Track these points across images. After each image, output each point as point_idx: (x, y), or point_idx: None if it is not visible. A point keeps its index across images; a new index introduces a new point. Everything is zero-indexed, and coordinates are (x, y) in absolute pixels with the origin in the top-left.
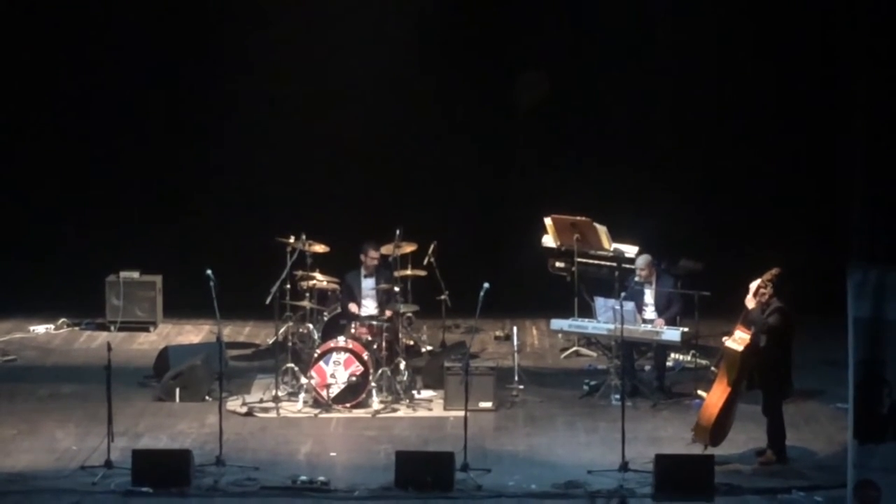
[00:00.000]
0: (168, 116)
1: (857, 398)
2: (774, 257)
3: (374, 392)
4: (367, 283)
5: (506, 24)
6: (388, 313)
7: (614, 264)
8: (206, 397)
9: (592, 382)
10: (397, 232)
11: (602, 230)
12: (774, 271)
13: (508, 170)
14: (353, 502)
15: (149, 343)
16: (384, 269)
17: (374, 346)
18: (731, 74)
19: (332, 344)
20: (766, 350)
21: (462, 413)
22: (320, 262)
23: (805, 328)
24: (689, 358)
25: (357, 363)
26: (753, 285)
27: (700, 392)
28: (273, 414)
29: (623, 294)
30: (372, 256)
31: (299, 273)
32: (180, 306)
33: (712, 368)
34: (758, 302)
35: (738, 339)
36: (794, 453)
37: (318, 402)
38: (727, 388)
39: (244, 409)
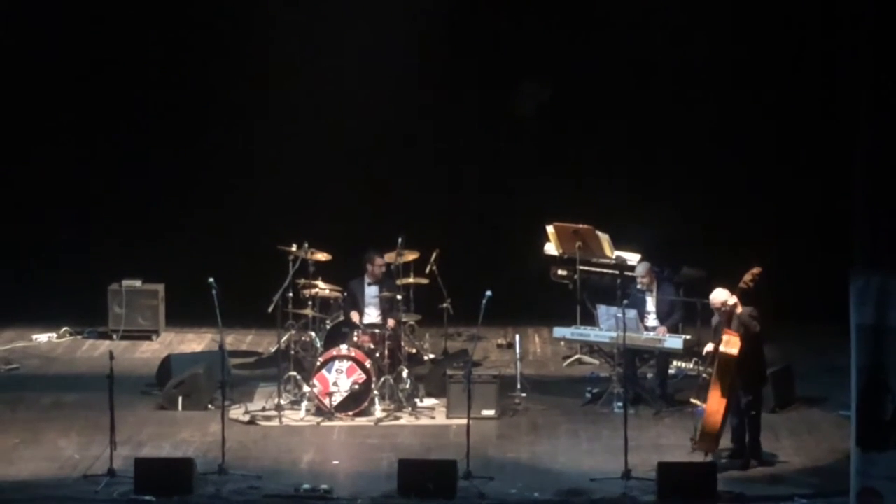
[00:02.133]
0: (170, 125)
1: (859, 405)
2: (777, 265)
3: (376, 400)
4: (371, 292)
5: (508, 33)
6: (390, 321)
7: (616, 272)
8: (209, 406)
9: (595, 390)
10: (399, 240)
11: (604, 238)
12: (755, 271)
13: (510, 177)
14: None
15: (151, 352)
16: (387, 278)
17: (377, 355)
18: (732, 80)
19: (334, 352)
20: (750, 354)
21: (465, 421)
22: (322, 271)
23: (808, 335)
24: (691, 365)
25: (359, 371)
26: (721, 300)
27: (694, 401)
28: (275, 422)
29: (625, 302)
30: (378, 264)
31: (301, 281)
32: (182, 315)
33: (703, 376)
34: (742, 305)
35: (731, 343)
36: (797, 460)
37: (320, 411)
38: (726, 393)
39: (247, 418)
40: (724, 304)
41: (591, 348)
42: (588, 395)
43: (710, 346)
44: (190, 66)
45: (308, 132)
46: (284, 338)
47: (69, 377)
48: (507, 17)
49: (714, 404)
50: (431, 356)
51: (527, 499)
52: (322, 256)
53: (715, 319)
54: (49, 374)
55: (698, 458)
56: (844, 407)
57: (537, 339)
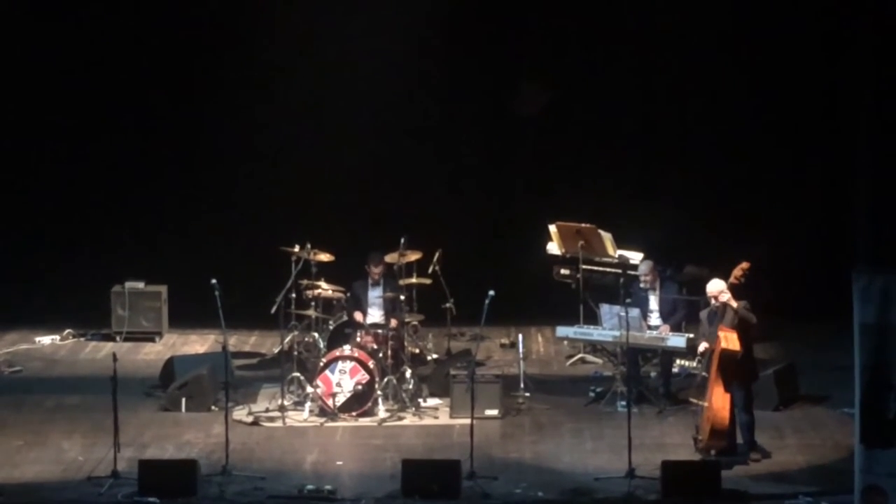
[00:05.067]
0: (173, 127)
1: (863, 403)
2: (779, 263)
3: (379, 400)
4: (374, 292)
5: (510, 33)
6: (393, 322)
7: (619, 271)
8: (212, 407)
9: (598, 389)
10: (402, 240)
11: (607, 237)
12: (744, 265)
13: (513, 177)
14: None
15: (154, 353)
16: (390, 278)
17: (380, 355)
18: (734, 79)
19: (337, 353)
20: (746, 348)
21: (468, 421)
22: (325, 271)
23: (811, 333)
24: (694, 364)
25: (363, 372)
26: (720, 290)
27: (693, 400)
28: (279, 423)
29: (628, 300)
30: (375, 269)
31: (304, 282)
32: (186, 316)
33: (703, 374)
34: (735, 300)
35: (731, 341)
36: (800, 458)
37: (323, 411)
38: (728, 390)
39: (250, 419)
40: (721, 293)
41: (595, 347)
42: (591, 395)
43: (704, 345)
44: (192, 68)
45: (310, 133)
46: (287, 339)
47: (72, 379)
48: (509, 17)
49: (719, 401)
50: (435, 356)
51: (531, 498)
52: (325, 257)
53: (703, 313)
54: (52, 376)
55: (702, 456)
56: (848, 405)
57: (540, 339)
